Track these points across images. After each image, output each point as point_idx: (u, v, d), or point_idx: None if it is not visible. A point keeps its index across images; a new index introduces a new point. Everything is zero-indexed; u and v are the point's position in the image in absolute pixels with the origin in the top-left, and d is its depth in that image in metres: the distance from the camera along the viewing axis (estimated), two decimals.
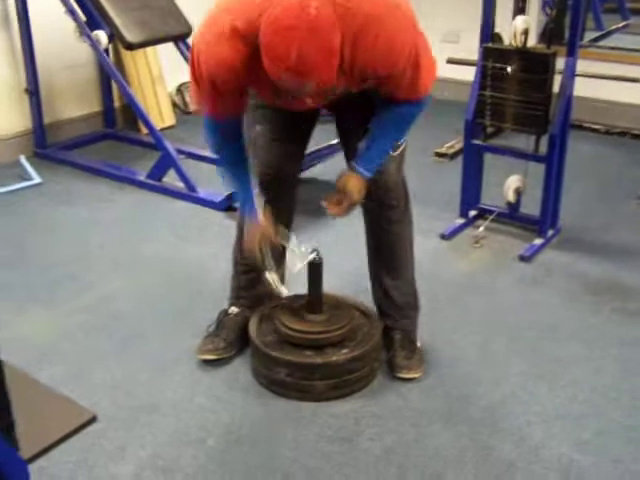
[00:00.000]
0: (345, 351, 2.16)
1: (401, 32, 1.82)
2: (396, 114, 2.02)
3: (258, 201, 2.09)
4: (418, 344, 2.33)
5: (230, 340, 2.33)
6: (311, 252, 2.15)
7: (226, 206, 3.35)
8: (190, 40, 1.90)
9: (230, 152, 2.09)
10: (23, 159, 3.86)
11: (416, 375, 2.24)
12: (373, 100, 2.06)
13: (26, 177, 3.77)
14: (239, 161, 2.10)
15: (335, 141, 2.32)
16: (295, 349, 2.17)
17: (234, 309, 2.38)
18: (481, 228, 3.14)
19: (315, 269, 2.18)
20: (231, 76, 1.83)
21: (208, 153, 3.93)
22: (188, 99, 4.78)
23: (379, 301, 2.36)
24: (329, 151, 3.45)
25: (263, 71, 1.71)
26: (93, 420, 2.08)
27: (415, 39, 1.86)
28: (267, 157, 2.18)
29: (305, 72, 1.64)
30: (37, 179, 3.74)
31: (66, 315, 2.60)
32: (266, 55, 1.67)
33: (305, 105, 1.91)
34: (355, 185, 2.05)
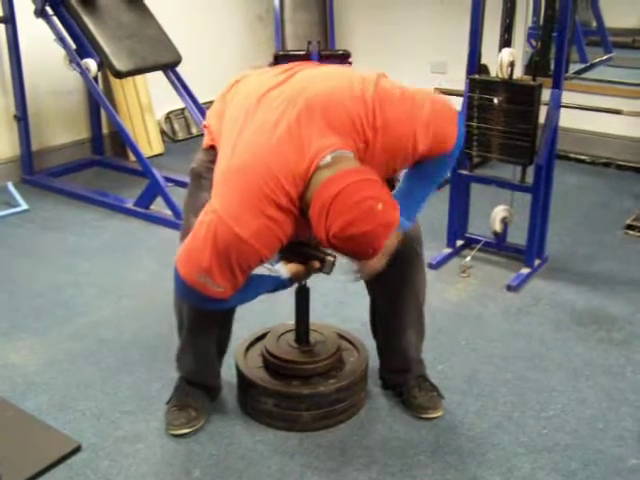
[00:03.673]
0: (332, 381, 2.15)
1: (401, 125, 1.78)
2: (427, 166, 1.92)
3: (270, 268, 1.97)
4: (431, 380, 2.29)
5: (199, 406, 2.18)
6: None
7: None
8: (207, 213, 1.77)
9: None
10: (10, 186, 3.86)
11: (441, 413, 2.21)
12: None
13: (13, 204, 3.76)
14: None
15: None
16: (282, 379, 2.16)
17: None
18: (468, 258, 3.15)
19: (302, 296, 2.17)
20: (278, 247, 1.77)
21: None
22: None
23: (389, 361, 2.29)
24: None
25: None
26: (77, 450, 2.06)
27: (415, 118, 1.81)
28: None
29: (377, 252, 1.70)
30: (24, 206, 3.74)
31: (52, 343, 2.58)
32: (341, 249, 1.68)
33: None
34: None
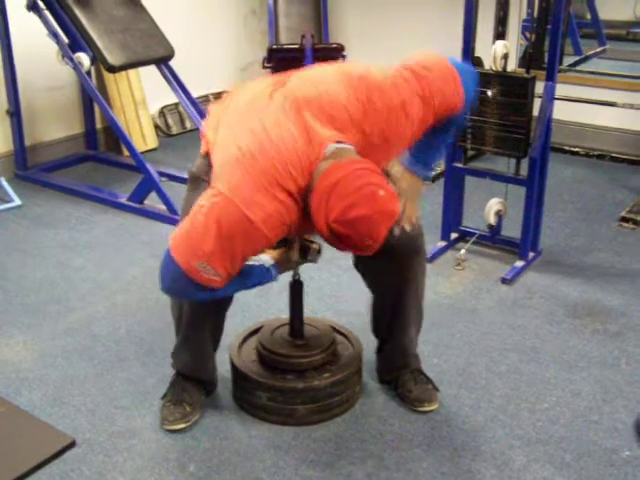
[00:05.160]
0: (327, 375, 2.15)
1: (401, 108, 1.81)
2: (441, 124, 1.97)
3: (263, 259, 1.95)
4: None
5: (194, 401, 2.17)
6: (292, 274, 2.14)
7: None
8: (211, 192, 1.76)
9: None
10: (3, 181, 3.84)
11: (436, 405, 2.22)
12: None
13: (6, 199, 3.74)
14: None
15: None
16: (276, 373, 2.16)
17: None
18: (462, 251, 3.15)
19: (296, 289, 2.17)
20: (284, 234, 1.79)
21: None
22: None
23: (390, 358, 2.29)
24: None
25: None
26: (72, 445, 2.06)
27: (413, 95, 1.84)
28: None
29: (376, 243, 1.68)
30: (17, 201, 3.72)
31: (46, 338, 2.58)
32: (340, 237, 1.66)
33: None
34: (410, 180, 2.00)
